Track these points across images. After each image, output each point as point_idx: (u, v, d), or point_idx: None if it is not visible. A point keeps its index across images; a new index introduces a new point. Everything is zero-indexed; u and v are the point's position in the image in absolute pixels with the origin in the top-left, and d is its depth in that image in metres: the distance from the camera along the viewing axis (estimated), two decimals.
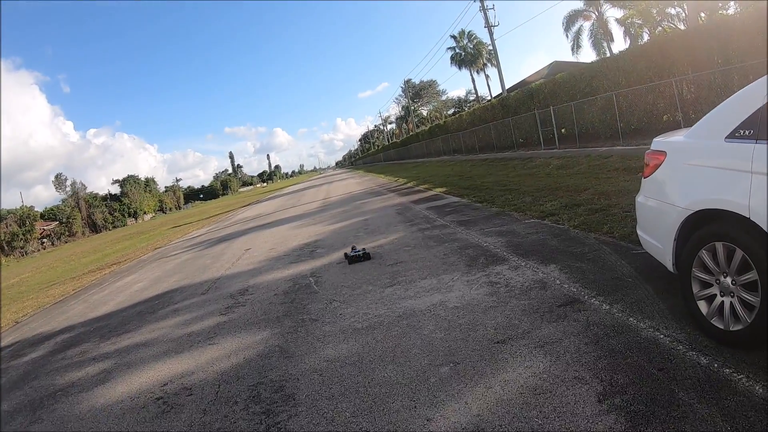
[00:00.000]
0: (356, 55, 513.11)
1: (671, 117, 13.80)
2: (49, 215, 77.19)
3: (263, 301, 5.39)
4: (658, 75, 13.68)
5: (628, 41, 40.12)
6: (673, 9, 33.43)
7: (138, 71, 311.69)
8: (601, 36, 38.20)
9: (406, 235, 7.55)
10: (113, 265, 14.82)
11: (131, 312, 6.70)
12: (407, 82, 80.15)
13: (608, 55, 36.68)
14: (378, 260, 6.15)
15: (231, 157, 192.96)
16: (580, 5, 38.95)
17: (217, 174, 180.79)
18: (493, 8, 30.27)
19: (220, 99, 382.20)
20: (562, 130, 19.63)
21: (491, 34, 30.35)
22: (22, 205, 70.11)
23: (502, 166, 17.86)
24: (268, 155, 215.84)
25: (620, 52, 18.46)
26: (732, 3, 27.61)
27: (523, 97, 22.68)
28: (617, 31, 40.73)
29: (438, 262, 5.47)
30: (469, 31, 50.89)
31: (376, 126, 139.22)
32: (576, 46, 39.72)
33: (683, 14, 33.69)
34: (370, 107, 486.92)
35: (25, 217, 64.59)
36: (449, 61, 52.57)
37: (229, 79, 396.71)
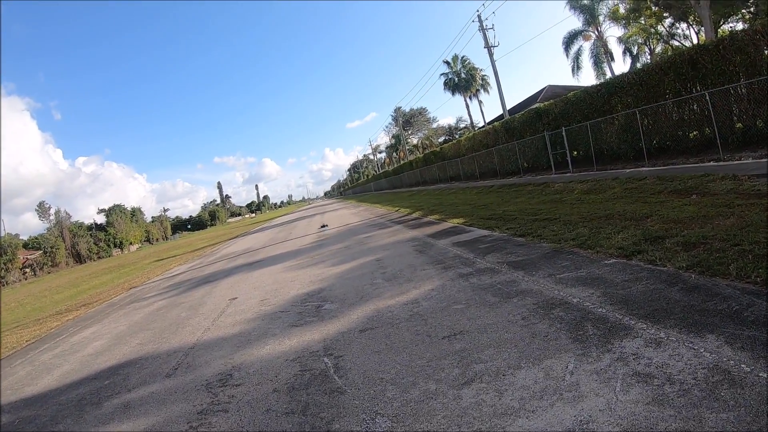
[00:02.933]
0: (345, 86, 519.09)
1: (700, 134, 12.51)
2: (33, 244, 74.64)
3: (256, 406, 3.44)
4: (687, 88, 12.57)
5: (629, 60, 39.74)
6: (678, 27, 32.98)
7: (129, 100, 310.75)
8: (602, 55, 37.60)
9: (445, 284, 5.68)
10: (82, 306, 13.03)
11: (71, 397, 4.76)
12: (398, 109, 79.48)
13: (609, 74, 36.11)
14: (421, 326, 4.27)
15: (219, 187, 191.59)
16: (578, 26, 38.57)
17: (205, 204, 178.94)
18: (492, 28, 29.24)
19: (210, 128, 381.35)
20: (575, 153, 18.22)
21: (491, 54, 29.32)
22: (5, 233, 67.60)
23: (515, 193, 16.20)
24: (256, 185, 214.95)
25: (644, 65, 17.35)
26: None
27: (530, 119, 21.31)
28: (617, 51, 40.49)
29: (521, 333, 3.64)
30: (463, 57, 50.37)
31: (365, 156, 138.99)
32: (576, 67, 39.28)
33: (684, 32, 33.25)
34: (359, 137, 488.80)
35: (6, 246, 61.98)
36: (442, 87, 51.91)
37: (219, 109, 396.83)
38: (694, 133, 12.82)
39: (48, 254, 71.10)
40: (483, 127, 40.68)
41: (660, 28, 34.74)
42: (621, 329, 3.33)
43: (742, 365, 2.55)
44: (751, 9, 25.64)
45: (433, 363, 3.42)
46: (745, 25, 25.53)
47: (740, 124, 11.26)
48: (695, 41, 31.51)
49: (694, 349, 2.84)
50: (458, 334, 3.89)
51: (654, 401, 2.39)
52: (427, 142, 78.59)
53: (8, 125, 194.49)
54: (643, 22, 33.64)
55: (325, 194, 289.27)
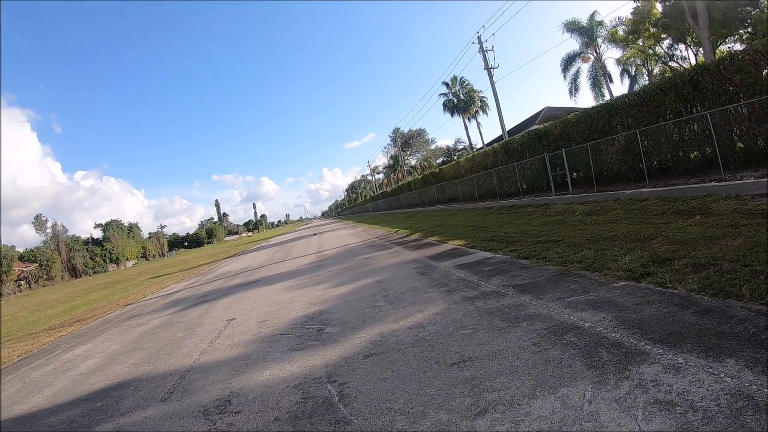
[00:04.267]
0: (343, 106, 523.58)
1: (700, 154, 12.54)
2: (29, 257, 74.11)
3: None
4: (688, 108, 12.69)
5: (627, 81, 40.18)
6: (677, 49, 33.44)
7: (129, 116, 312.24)
8: (600, 77, 38.04)
9: (451, 307, 5.54)
10: (76, 322, 12.81)
11: (61, 419, 4.60)
12: (396, 130, 79.99)
13: (607, 96, 36.52)
14: (428, 352, 4.13)
15: (217, 205, 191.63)
16: (575, 48, 39.08)
17: (202, 222, 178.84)
18: (492, 50, 29.54)
19: (209, 147, 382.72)
20: (575, 174, 18.24)
21: (491, 76, 29.58)
22: (1, 245, 67.10)
23: (515, 215, 16.16)
24: (254, 204, 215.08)
25: (644, 85, 17.45)
26: None
27: (530, 140, 21.40)
28: (615, 72, 41.03)
29: (533, 359, 3.51)
30: (462, 78, 50.85)
31: (363, 176, 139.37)
32: (574, 89, 39.69)
33: (682, 53, 33.69)
34: (357, 158, 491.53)
35: (2, 257, 61.46)
36: (441, 108, 52.32)
37: (219, 127, 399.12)
38: (695, 153, 12.84)
39: (44, 267, 70.65)
40: (482, 148, 40.88)
41: (658, 49, 35.24)
42: (637, 354, 3.23)
43: (765, 389, 2.48)
44: (749, 29, 26.01)
45: (443, 391, 3.28)
46: (743, 46, 25.91)
47: (741, 144, 11.28)
48: (693, 62, 31.92)
49: (714, 374, 2.76)
50: (467, 361, 3.75)
51: (678, 431, 2.27)
52: (425, 164, 78.87)
53: (8, 136, 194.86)
54: (641, 43, 34.09)
55: (323, 214, 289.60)
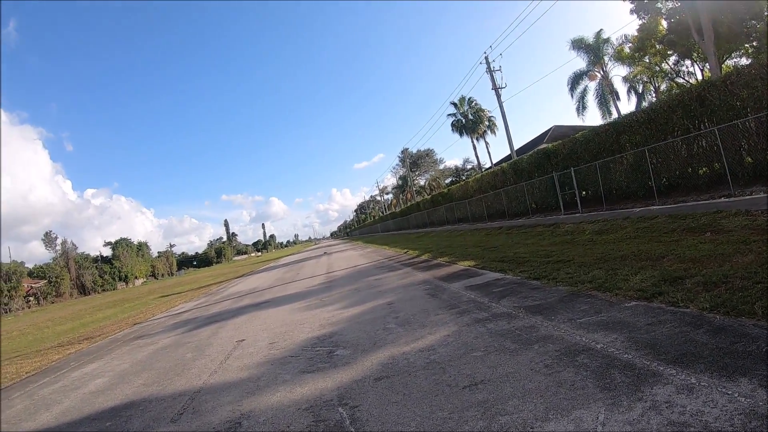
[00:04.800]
0: (353, 127, 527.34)
1: (709, 169, 12.49)
2: (38, 273, 74.57)
3: None
4: (695, 124, 12.67)
5: (634, 98, 40.16)
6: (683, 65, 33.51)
7: (140, 136, 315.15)
8: (607, 94, 38.12)
9: (461, 329, 5.51)
10: (85, 340, 12.85)
11: None
12: (405, 150, 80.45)
13: (615, 113, 36.55)
14: (440, 375, 4.09)
15: (226, 224, 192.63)
16: (582, 66, 39.24)
17: (211, 241, 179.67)
18: (499, 69, 29.81)
19: (219, 167, 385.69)
20: (583, 193, 18.19)
21: (498, 96, 29.74)
22: (11, 260, 67.61)
23: (524, 235, 16.11)
24: (263, 224, 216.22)
25: (651, 103, 17.47)
26: None
27: (538, 160, 21.41)
28: (622, 89, 41.07)
29: (545, 381, 3.48)
30: (470, 98, 51.14)
31: (372, 197, 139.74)
32: (582, 107, 39.72)
33: (689, 68, 33.74)
34: (366, 178, 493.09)
35: (11, 273, 61.85)
36: (450, 128, 52.51)
37: (229, 148, 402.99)
38: (704, 169, 12.76)
39: (53, 284, 71.01)
40: (490, 168, 40.91)
41: (665, 65, 35.33)
42: (650, 375, 3.22)
43: None
44: (754, 44, 26.03)
45: (456, 415, 3.25)
46: (749, 60, 25.87)
47: (750, 159, 11.21)
48: (700, 78, 31.92)
49: (728, 394, 2.75)
50: (479, 384, 3.72)
51: None
52: (434, 184, 79.11)
53: (21, 153, 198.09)
54: (647, 60, 34.21)
55: (332, 234, 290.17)
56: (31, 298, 65.19)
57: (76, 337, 14.20)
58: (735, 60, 28.89)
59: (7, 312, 53.53)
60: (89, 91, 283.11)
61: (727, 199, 10.65)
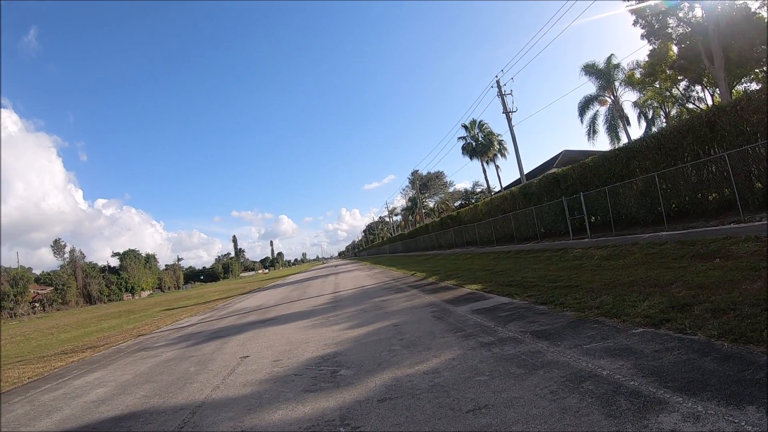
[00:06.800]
0: (364, 148, 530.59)
1: (719, 195, 12.45)
2: (45, 279, 74.95)
3: None
4: (705, 150, 12.67)
5: (644, 124, 40.13)
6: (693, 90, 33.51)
7: (154, 152, 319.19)
8: (617, 119, 38.17)
9: (466, 353, 5.45)
10: (88, 349, 12.87)
11: None
12: (415, 172, 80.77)
13: (624, 139, 36.53)
14: (444, 398, 4.05)
15: (234, 240, 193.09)
16: (593, 91, 39.33)
17: (219, 257, 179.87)
18: (510, 93, 30.04)
19: (230, 184, 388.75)
20: (593, 218, 18.11)
21: (509, 120, 29.97)
22: (19, 266, 68.10)
23: (533, 259, 16.01)
24: (271, 242, 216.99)
25: (661, 128, 17.47)
26: None
27: (548, 184, 21.44)
28: (632, 114, 41.12)
29: (550, 407, 3.44)
30: (480, 121, 51.47)
31: (381, 217, 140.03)
32: (592, 132, 39.75)
33: (699, 94, 33.72)
34: (376, 199, 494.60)
35: (18, 278, 62.24)
36: (460, 151, 52.79)
37: (242, 166, 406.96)
38: (714, 194, 12.70)
39: (59, 291, 71.27)
40: (500, 191, 40.94)
41: (675, 91, 35.38)
42: (656, 403, 3.18)
43: None
44: (764, 68, 26.00)
45: None
46: (759, 85, 25.83)
47: (759, 184, 11.13)
48: (710, 103, 31.90)
49: (735, 422, 2.72)
50: (483, 408, 3.67)
51: None
52: (443, 206, 79.13)
53: (36, 161, 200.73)
54: (658, 85, 34.27)
55: (340, 254, 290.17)
56: (37, 304, 65.52)
57: (79, 346, 14.25)
58: (745, 85, 28.94)
59: (13, 316, 53.78)
60: (106, 102, 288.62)
61: (736, 225, 10.57)
